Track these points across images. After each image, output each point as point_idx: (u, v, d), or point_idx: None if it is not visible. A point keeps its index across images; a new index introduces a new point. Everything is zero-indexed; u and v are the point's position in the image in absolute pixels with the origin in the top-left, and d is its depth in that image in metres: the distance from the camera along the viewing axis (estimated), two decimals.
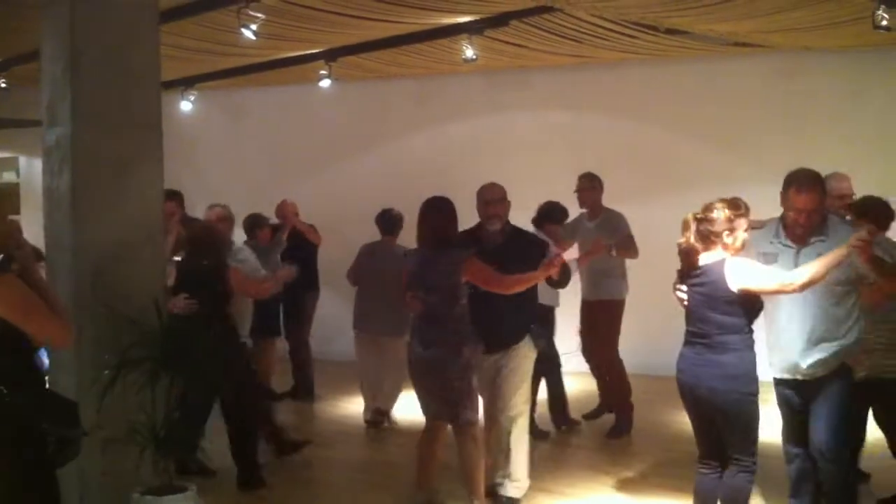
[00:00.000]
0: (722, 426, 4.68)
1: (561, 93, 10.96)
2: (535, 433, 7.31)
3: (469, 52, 9.13)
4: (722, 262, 4.62)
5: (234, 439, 6.45)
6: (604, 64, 10.46)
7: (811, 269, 4.50)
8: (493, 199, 5.97)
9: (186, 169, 12.44)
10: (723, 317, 4.61)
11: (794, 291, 4.54)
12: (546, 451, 6.09)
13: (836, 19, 8.00)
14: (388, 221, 8.31)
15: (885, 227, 5.75)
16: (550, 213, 7.70)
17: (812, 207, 4.78)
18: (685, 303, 4.81)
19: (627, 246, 7.78)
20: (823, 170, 6.43)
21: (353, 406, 9.03)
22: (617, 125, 10.65)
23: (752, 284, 4.57)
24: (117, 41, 5.18)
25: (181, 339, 4.78)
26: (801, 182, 4.84)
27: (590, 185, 8.05)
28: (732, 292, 4.58)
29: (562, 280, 5.95)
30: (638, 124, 10.58)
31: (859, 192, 8.34)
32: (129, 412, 4.70)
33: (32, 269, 3.61)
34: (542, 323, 6.47)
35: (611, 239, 7.58)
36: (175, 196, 7.74)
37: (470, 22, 8.68)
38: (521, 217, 6.03)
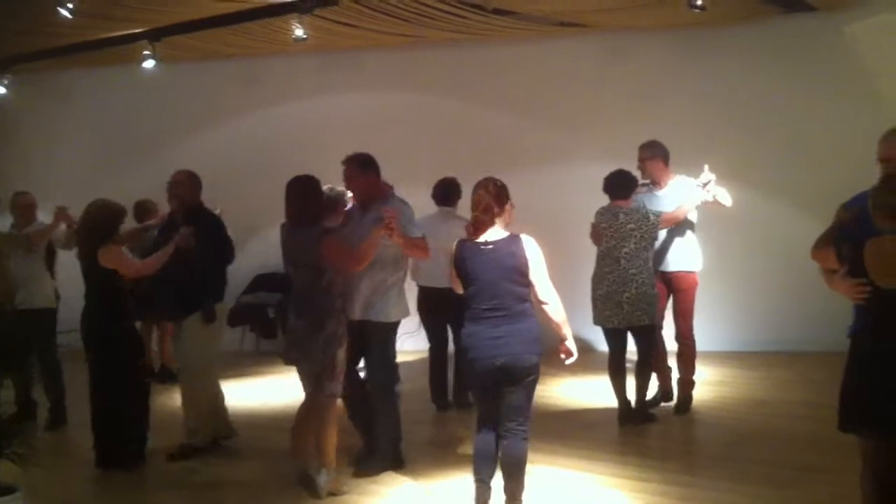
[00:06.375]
0: (511, 393, 4.83)
1: (394, 73, 11.00)
2: None
3: (299, 32, 9.05)
4: (517, 236, 4.87)
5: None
6: (436, 44, 10.55)
7: None
8: None
9: (9, 156, 11.90)
10: (520, 288, 4.82)
11: None
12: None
13: None
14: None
15: None
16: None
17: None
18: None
19: None
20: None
21: None
22: (449, 105, 10.76)
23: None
24: None
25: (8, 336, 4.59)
26: None
27: None
28: (528, 264, 4.82)
29: None
30: (470, 104, 10.71)
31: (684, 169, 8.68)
32: None
33: None
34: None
35: None
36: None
37: (299, 1, 8.59)
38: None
